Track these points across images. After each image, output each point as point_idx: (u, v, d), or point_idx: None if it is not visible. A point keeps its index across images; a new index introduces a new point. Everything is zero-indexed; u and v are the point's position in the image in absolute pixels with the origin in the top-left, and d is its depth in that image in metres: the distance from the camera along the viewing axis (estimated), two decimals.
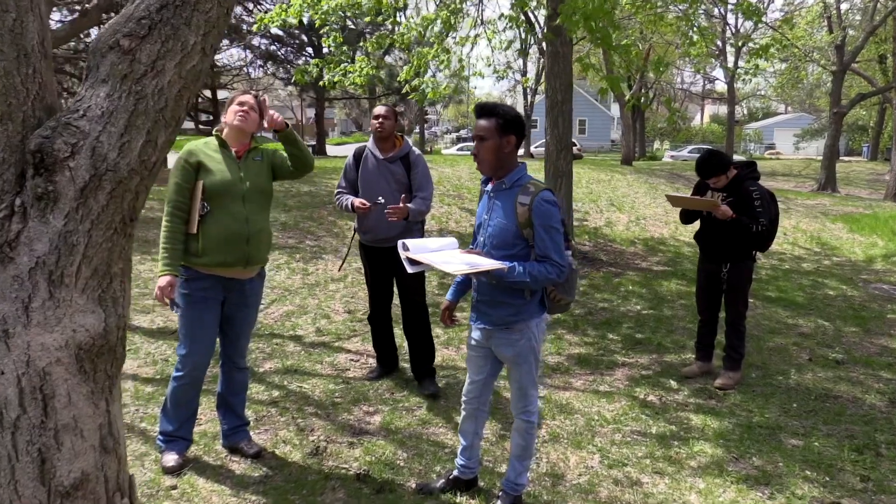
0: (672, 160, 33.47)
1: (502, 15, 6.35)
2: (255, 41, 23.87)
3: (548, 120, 8.76)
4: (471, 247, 2.92)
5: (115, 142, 1.67)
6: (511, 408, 3.00)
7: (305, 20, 9.52)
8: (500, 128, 2.72)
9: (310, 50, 23.70)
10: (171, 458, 3.33)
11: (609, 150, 45.84)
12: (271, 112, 3.33)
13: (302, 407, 4.19)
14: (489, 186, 2.85)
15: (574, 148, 35.05)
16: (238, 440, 3.55)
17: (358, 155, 4.43)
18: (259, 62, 24.10)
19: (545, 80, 9.09)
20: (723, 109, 43.36)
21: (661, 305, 6.98)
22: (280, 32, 22.26)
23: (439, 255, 2.64)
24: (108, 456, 1.84)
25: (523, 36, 13.71)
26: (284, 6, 8.02)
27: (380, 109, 4.35)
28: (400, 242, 2.74)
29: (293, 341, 5.44)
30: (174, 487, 3.21)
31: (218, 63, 25.04)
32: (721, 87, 46.52)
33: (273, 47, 23.48)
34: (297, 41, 23.01)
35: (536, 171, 8.62)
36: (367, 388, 4.51)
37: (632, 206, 13.32)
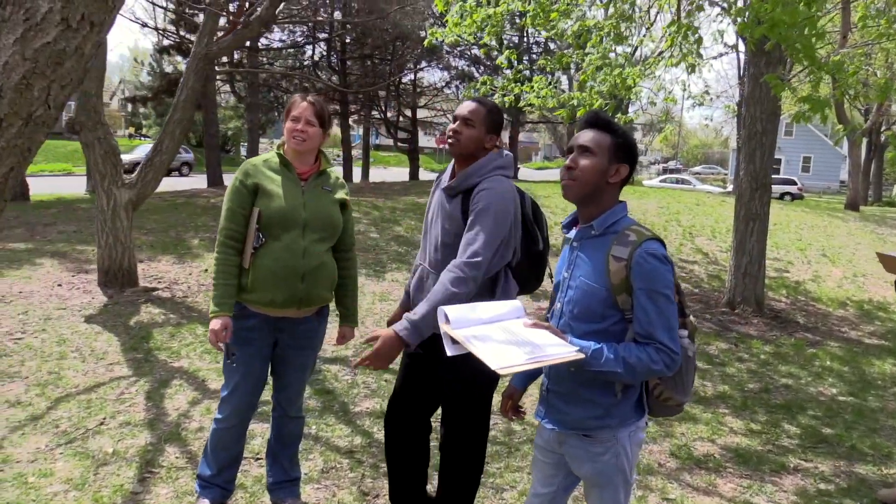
0: None
1: (686, 28, 5.39)
2: (454, 62, 24.29)
3: (742, 153, 7.51)
4: (546, 315, 2.16)
5: None
6: None
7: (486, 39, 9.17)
8: (615, 150, 1.97)
9: (508, 72, 23.59)
10: None
11: (836, 192, 40.68)
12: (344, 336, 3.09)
13: (378, 464, 3.65)
14: (572, 232, 2.09)
15: (794, 187, 31.59)
16: (282, 497, 3.08)
17: (438, 179, 2.89)
18: (456, 83, 24.42)
19: (745, 107, 7.83)
20: None
21: (867, 392, 5.49)
22: (478, 53, 22.36)
23: (492, 329, 1.87)
24: None
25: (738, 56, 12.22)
26: (457, 20, 7.68)
27: (464, 108, 2.64)
28: (440, 310, 1.94)
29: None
30: None
31: (418, 83, 25.85)
32: None
33: (471, 68, 23.69)
34: (494, 62, 22.98)
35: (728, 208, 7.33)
36: None
37: (849, 260, 11.23)
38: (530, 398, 3.82)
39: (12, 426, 3.77)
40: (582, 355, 1.80)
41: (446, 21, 7.76)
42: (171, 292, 6.61)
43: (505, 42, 20.93)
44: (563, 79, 22.52)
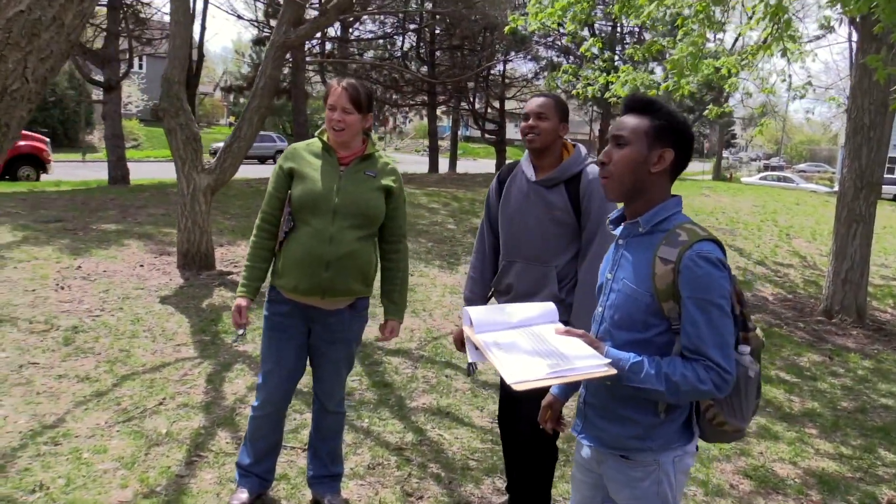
0: None
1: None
2: (543, 52, 23.83)
3: (847, 148, 6.90)
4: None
5: None
6: None
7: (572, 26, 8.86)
8: (654, 133, 1.72)
9: (598, 63, 22.92)
10: (239, 497, 2.90)
11: None
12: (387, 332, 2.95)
13: (427, 463, 3.53)
14: (619, 229, 1.86)
15: None
16: (322, 492, 3.01)
17: (504, 177, 2.91)
18: (545, 73, 23.97)
19: (851, 98, 7.16)
20: None
21: None
22: (567, 43, 21.83)
23: (518, 335, 1.67)
24: None
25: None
26: (539, 7, 7.41)
27: (533, 103, 2.72)
28: (464, 311, 1.79)
29: (469, 377, 4.80)
30: None
31: (507, 75, 25.55)
32: None
33: (560, 58, 23.15)
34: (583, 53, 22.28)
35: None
36: None
37: None
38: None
39: (78, 401, 3.90)
40: (613, 371, 1.59)
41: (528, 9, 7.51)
42: None
43: (596, 32, 20.32)
44: (659, 70, 21.65)
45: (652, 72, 11.19)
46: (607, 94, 9.07)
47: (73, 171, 19.71)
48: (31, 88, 1.26)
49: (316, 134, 2.83)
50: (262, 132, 35.71)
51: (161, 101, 6.06)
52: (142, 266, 6.57)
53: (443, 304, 6.44)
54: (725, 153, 43.00)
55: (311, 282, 2.66)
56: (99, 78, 14.19)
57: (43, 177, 17.09)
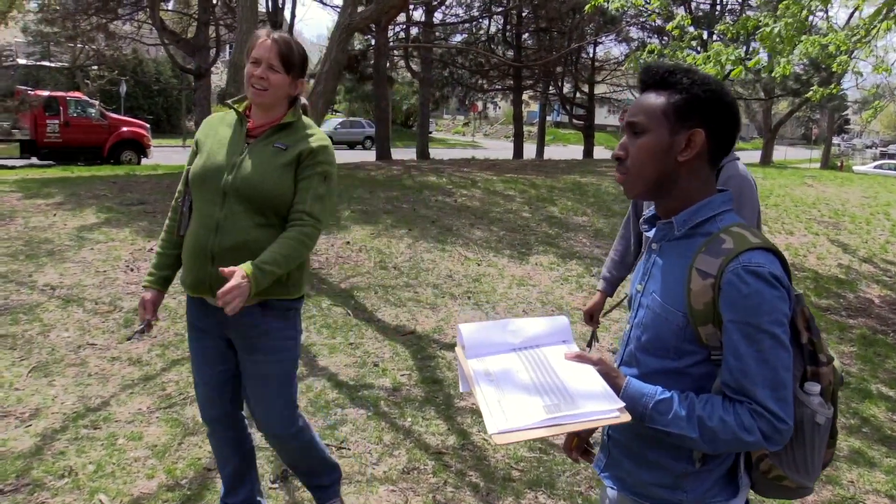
0: None
1: None
2: (634, 33, 22.76)
3: None
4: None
5: None
6: None
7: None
8: (675, 113, 1.36)
9: (694, 42, 21.72)
10: None
11: None
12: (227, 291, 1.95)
13: (466, 470, 3.29)
14: (652, 231, 1.51)
15: None
16: (321, 499, 2.67)
17: None
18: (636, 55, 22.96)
19: None
20: None
21: None
22: (660, 23, 20.77)
23: (517, 362, 1.37)
24: None
25: None
26: None
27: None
28: (458, 328, 1.48)
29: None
30: None
31: (597, 57, 24.64)
32: None
33: (652, 39, 22.07)
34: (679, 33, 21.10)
35: None
36: (563, 469, 3.38)
37: None
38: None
39: (125, 384, 3.90)
40: (627, 418, 1.26)
41: None
42: (309, 263, 6.69)
43: (692, 9, 19.20)
44: (763, 53, 20.27)
45: (754, 51, 10.34)
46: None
47: (172, 155, 20.63)
48: None
49: (230, 101, 2.39)
50: (351, 118, 36.32)
51: (227, 86, 6.08)
52: None
53: (508, 297, 6.16)
54: (836, 140, 40.06)
55: (195, 276, 2.26)
56: (191, 66, 14.70)
57: (143, 161, 17.97)
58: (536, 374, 1.34)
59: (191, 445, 3.30)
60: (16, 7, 19.23)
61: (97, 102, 19.91)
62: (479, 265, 6.97)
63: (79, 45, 19.20)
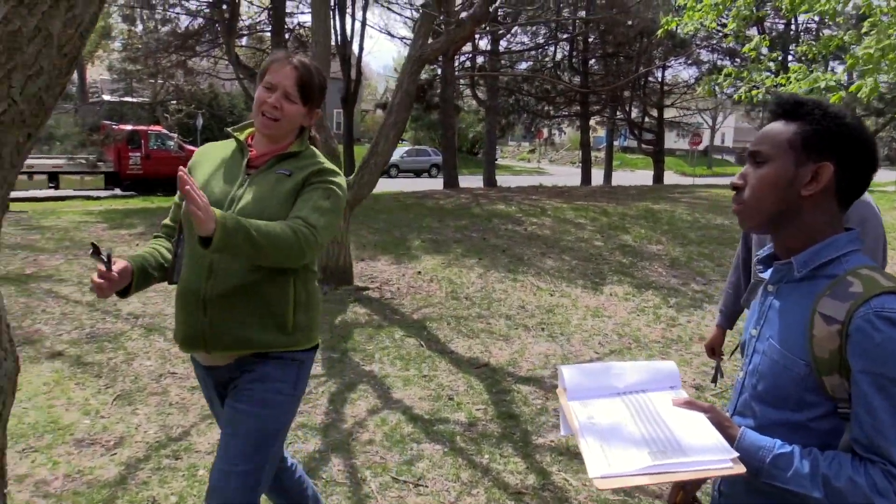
0: None
1: None
2: (705, 56, 22.28)
3: None
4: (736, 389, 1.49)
5: None
6: None
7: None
8: (803, 144, 1.26)
9: (771, 65, 21.08)
10: None
11: None
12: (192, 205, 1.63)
13: None
14: (768, 272, 1.40)
15: None
16: None
17: None
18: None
19: None
20: None
21: None
22: (734, 45, 20.28)
23: (622, 407, 1.28)
24: None
25: None
26: (693, 3, 6.77)
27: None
28: (559, 369, 1.39)
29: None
30: None
31: (666, 82, 24.20)
32: None
33: (724, 62, 21.52)
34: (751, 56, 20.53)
35: None
36: None
37: None
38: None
39: (204, 414, 3.95)
40: (741, 470, 1.15)
41: (683, 6, 6.89)
42: (381, 293, 6.71)
43: (766, 30, 18.66)
44: (840, 69, 19.49)
45: (833, 71, 9.93)
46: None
47: None
48: (22, 110, 1.10)
49: (231, 129, 2.16)
50: (417, 146, 36.89)
51: None
52: None
53: (583, 329, 5.99)
54: None
55: (186, 328, 1.97)
56: None
57: None
58: (642, 420, 1.24)
59: None
60: (101, 47, 20.51)
61: (176, 135, 20.92)
62: (551, 295, 6.83)
63: (159, 81, 20.24)
